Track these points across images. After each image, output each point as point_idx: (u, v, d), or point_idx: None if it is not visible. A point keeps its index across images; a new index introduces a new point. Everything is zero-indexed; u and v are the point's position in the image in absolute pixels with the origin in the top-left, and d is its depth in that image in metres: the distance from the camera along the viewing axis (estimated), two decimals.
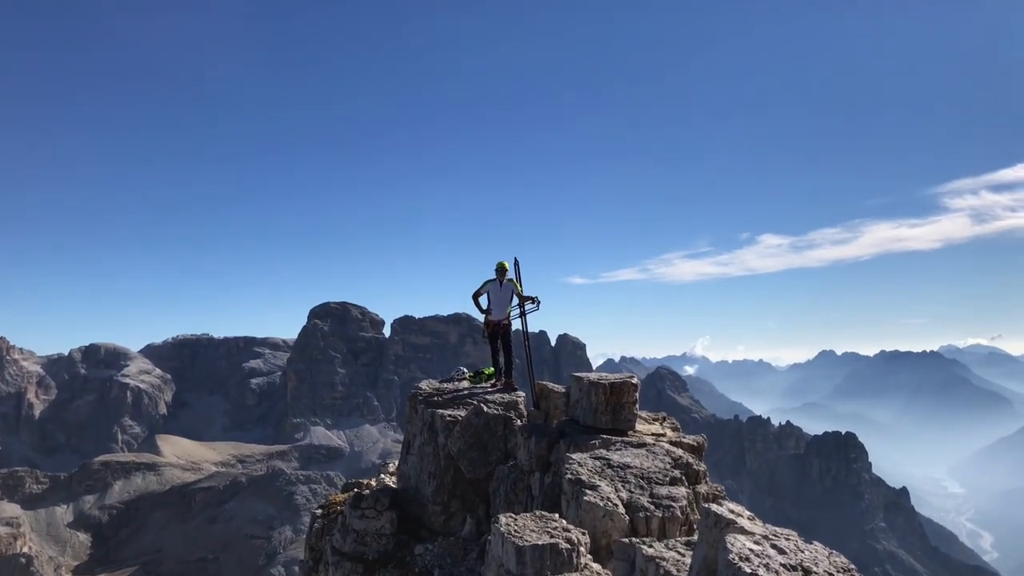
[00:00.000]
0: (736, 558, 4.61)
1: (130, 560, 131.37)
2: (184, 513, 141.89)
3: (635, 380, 11.08)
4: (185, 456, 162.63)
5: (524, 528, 6.55)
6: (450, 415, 13.73)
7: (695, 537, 6.36)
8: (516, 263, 15.87)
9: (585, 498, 7.35)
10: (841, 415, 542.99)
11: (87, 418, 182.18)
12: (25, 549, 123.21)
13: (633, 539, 6.45)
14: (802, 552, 4.84)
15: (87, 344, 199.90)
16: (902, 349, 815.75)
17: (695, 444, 10.66)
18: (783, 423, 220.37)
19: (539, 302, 15.61)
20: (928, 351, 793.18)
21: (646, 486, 7.91)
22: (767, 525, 5.41)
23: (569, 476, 7.94)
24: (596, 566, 6.49)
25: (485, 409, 13.37)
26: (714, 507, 5.50)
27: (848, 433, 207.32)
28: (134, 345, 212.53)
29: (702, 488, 8.62)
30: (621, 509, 7.34)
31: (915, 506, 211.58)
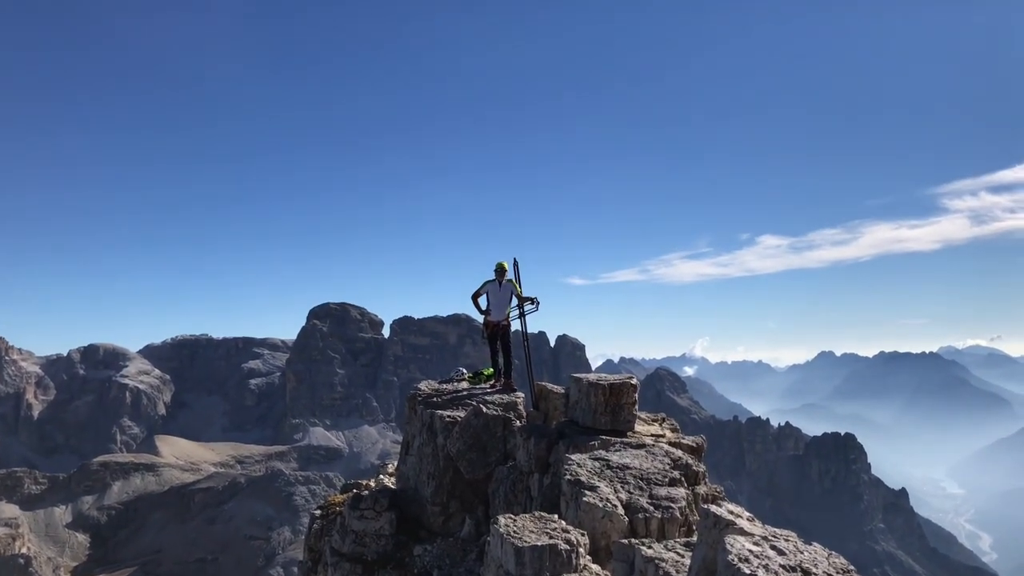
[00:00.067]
0: (735, 559, 4.60)
1: (129, 561, 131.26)
2: (183, 514, 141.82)
3: (634, 381, 11.07)
4: (184, 457, 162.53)
5: (523, 529, 6.54)
6: (449, 416, 13.72)
7: (694, 538, 6.35)
8: (515, 264, 15.86)
9: (584, 499, 7.34)
10: (840, 416, 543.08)
11: (86, 419, 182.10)
12: (24, 550, 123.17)
13: (632, 540, 6.45)
14: (801, 553, 4.84)
15: (86, 344, 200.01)
16: (901, 350, 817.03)
17: (694, 445, 10.65)
18: (782, 424, 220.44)
19: (538, 303, 15.60)
20: (927, 352, 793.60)
21: (645, 487, 7.90)
22: (766, 526, 5.40)
23: (568, 477, 7.93)
24: (595, 567, 6.48)
25: (484, 410, 13.36)
26: (713, 508, 5.50)
27: (847, 434, 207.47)
28: (133, 346, 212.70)
29: (701, 489, 8.61)
30: (620, 510, 7.33)
31: (914, 507, 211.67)
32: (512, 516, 6.87)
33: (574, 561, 6.27)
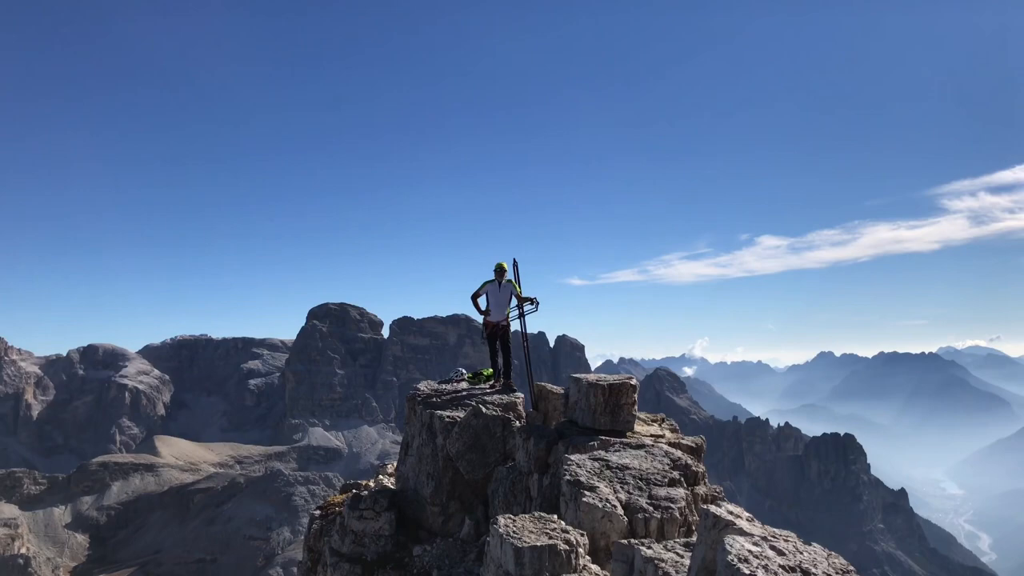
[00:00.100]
0: (735, 559, 4.60)
1: (128, 561, 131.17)
2: (182, 514, 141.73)
3: (634, 381, 11.06)
4: (183, 457, 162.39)
5: (523, 529, 6.54)
6: (449, 416, 13.72)
7: (694, 538, 6.35)
8: (515, 264, 15.86)
9: (584, 499, 7.34)
10: (840, 416, 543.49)
11: (85, 419, 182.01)
12: (23, 550, 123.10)
13: (632, 540, 6.45)
14: (801, 553, 4.84)
15: (85, 345, 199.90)
16: (901, 350, 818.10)
17: (694, 445, 10.64)
18: (782, 424, 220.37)
19: (538, 303, 15.60)
20: (927, 352, 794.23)
21: (645, 487, 7.90)
22: (766, 526, 5.40)
23: (568, 477, 7.93)
24: (595, 567, 6.48)
25: (484, 410, 13.36)
26: (713, 508, 5.50)
27: (847, 434, 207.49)
28: (132, 346, 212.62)
29: (701, 489, 8.61)
30: (620, 510, 7.33)
31: (913, 507, 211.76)
32: (512, 516, 6.87)
33: (573, 561, 6.27)
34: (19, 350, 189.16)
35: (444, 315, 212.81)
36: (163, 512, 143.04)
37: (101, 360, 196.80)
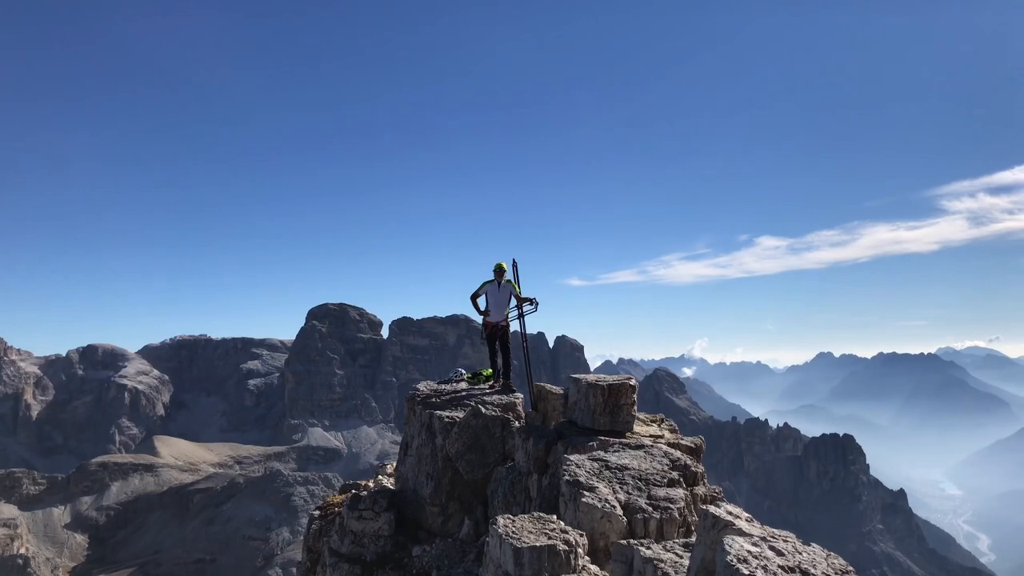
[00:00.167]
0: (734, 560, 4.60)
1: (127, 561, 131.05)
2: (182, 514, 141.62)
3: (633, 382, 11.06)
4: (183, 457, 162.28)
5: (522, 530, 6.53)
6: (448, 416, 13.71)
7: (693, 539, 6.35)
8: (514, 264, 15.87)
9: (583, 499, 7.34)
10: (839, 417, 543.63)
11: (84, 419, 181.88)
12: (22, 550, 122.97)
13: (631, 540, 6.45)
14: (800, 554, 4.84)
15: (85, 345, 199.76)
16: (900, 351, 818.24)
17: (693, 446, 10.64)
18: (781, 425, 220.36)
19: (537, 303, 15.60)
20: (926, 353, 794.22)
21: (644, 488, 7.90)
22: (765, 527, 5.40)
23: (567, 478, 7.93)
24: (594, 568, 6.48)
25: (483, 411, 13.35)
26: (712, 509, 5.50)
27: (846, 435, 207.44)
28: (132, 346, 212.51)
29: (700, 490, 8.60)
30: (619, 511, 7.33)
31: (913, 508, 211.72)
32: (511, 517, 6.86)
33: (573, 562, 6.27)
34: (18, 350, 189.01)
35: (443, 315, 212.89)
36: (162, 512, 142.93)
37: (100, 360, 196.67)
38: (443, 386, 16.00)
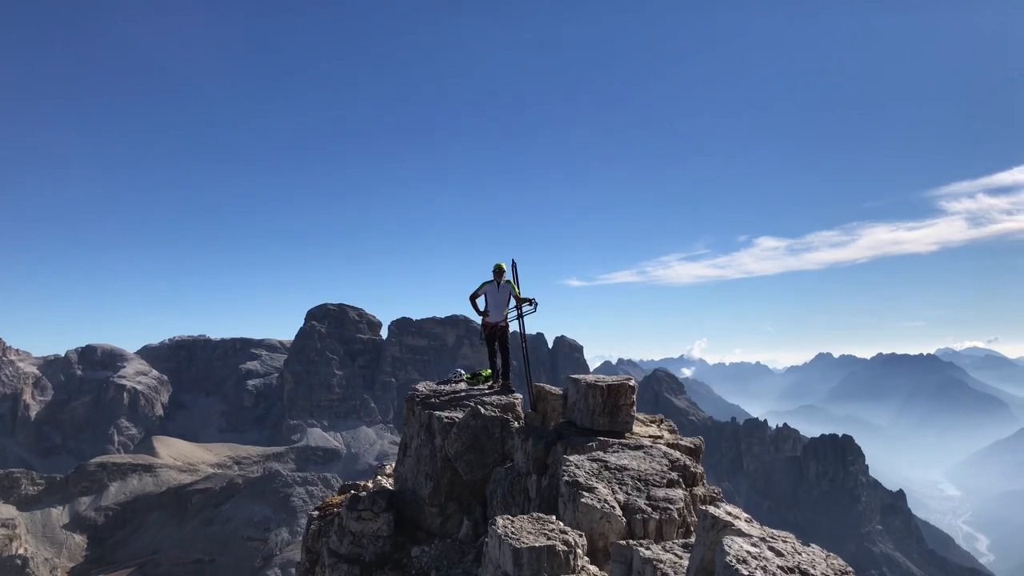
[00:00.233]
0: (734, 560, 4.60)
1: (126, 562, 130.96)
2: (180, 515, 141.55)
3: (632, 382, 11.05)
4: (181, 457, 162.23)
5: (521, 530, 6.52)
6: (447, 417, 13.70)
7: (692, 539, 6.35)
8: (513, 265, 15.86)
9: (582, 500, 7.33)
10: (838, 417, 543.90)
11: (83, 419, 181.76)
12: (21, 551, 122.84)
13: (630, 541, 6.44)
14: (800, 554, 4.83)
15: (84, 345, 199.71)
16: (899, 352, 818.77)
17: (692, 446, 10.63)
18: (780, 425, 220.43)
19: (536, 304, 15.59)
20: (925, 354, 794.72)
21: (643, 488, 7.89)
22: (764, 527, 5.40)
23: (566, 478, 7.92)
24: (593, 568, 6.47)
25: (482, 411, 13.35)
26: (711, 509, 5.49)
27: (845, 436, 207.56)
28: (131, 346, 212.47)
29: (699, 490, 8.60)
30: (618, 511, 7.32)
31: (912, 508, 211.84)
32: (510, 517, 6.85)
33: (572, 562, 6.26)
34: (17, 350, 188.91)
35: (443, 316, 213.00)
36: (161, 513, 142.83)
37: (99, 360, 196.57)
38: (442, 386, 15.99)
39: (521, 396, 14.61)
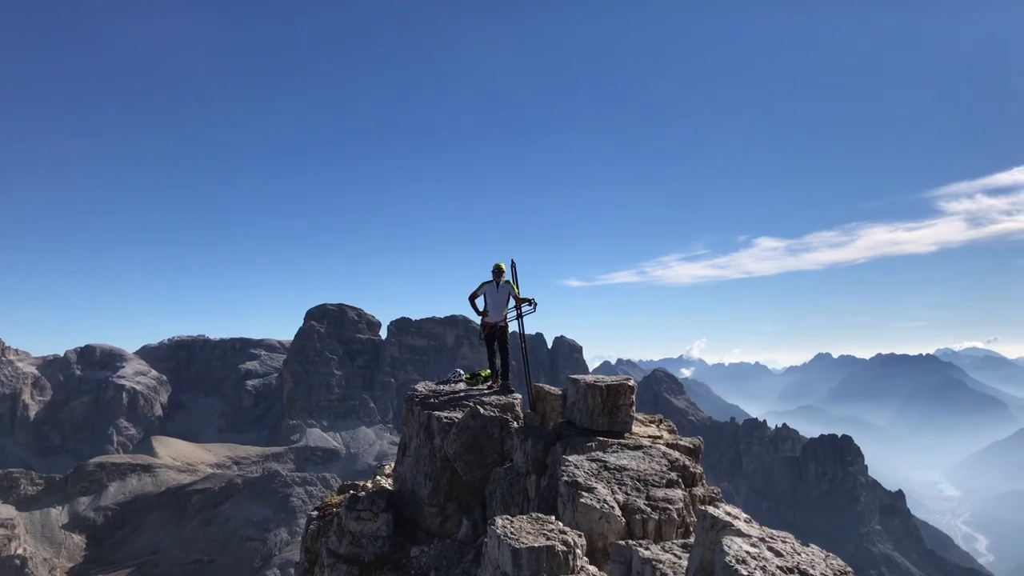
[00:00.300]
0: (733, 560, 4.60)
1: (125, 562, 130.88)
2: (180, 515, 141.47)
3: (632, 382, 11.05)
4: (181, 458, 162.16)
5: (520, 530, 6.52)
6: (447, 417, 13.70)
7: (692, 539, 6.34)
8: (513, 265, 15.87)
9: (582, 500, 7.33)
10: (837, 418, 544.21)
11: (82, 419, 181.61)
12: (20, 551, 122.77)
13: (629, 541, 6.44)
14: (799, 555, 4.83)
15: (83, 345, 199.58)
16: (898, 352, 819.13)
17: (691, 446, 10.63)
18: (779, 426, 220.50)
19: (536, 304, 15.59)
20: (924, 354, 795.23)
21: (642, 488, 7.89)
22: (764, 528, 5.40)
23: (566, 478, 7.91)
24: (592, 568, 6.47)
25: (482, 411, 13.34)
26: (711, 509, 5.49)
27: (844, 436, 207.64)
28: (130, 346, 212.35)
29: (698, 490, 8.59)
30: (617, 511, 7.32)
31: (911, 509, 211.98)
32: (509, 517, 6.85)
33: (571, 562, 6.26)
34: (16, 350, 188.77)
35: (442, 316, 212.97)
36: (160, 513, 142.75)
37: (98, 360, 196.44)
38: (441, 387, 15.99)
39: (520, 396, 14.60)
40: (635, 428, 11.00)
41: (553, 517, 6.97)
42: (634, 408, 10.96)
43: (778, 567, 4.59)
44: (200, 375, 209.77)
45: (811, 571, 4.61)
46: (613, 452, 9.24)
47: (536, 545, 6.16)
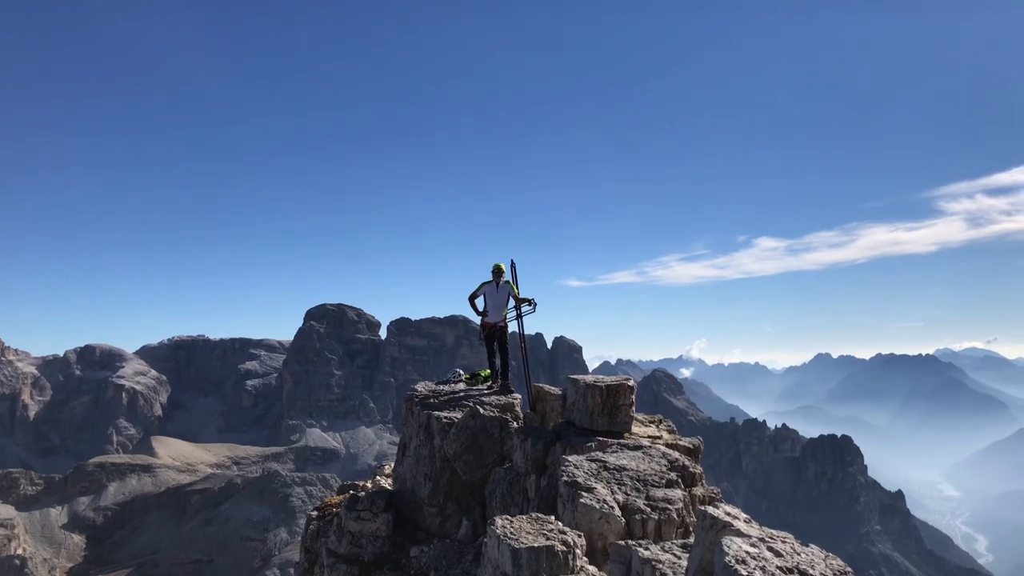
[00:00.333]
0: (732, 560, 4.59)
1: (125, 562, 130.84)
2: (179, 515, 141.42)
3: (631, 382, 11.05)
4: (180, 458, 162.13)
5: (520, 530, 6.51)
6: (446, 417, 13.70)
7: (691, 539, 6.34)
8: (512, 265, 15.86)
9: (581, 500, 7.32)
10: (837, 418, 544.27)
11: (82, 419, 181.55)
12: (19, 551, 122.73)
13: (629, 541, 6.43)
14: (798, 555, 4.83)
15: (82, 345, 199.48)
16: (898, 352, 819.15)
17: (691, 446, 10.62)
18: (779, 426, 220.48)
19: (535, 304, 15.59)
20: (924, 354, 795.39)
21: (642, 488, 7.88)
22: (763, 528, 5.39)
23: (565, 478, 7.91)
24: (592, 568, 6.46)
25: (481, 411, 13.34)
26: (710, 509, 5.49)
27: (844, 436, 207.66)
28: (130, 346, 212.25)
29: (698, 490, 8.59)
30: (617, 511, 7.32)
31: (910, 509, 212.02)
32: (509, 517, 6.85)
33: (571, 562, 6.26)
34: (16, 350, 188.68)
35: (442, 316, 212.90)
36: (160, 513, 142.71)
37: (98, 361, 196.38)
38: (441, 387, 15.98)
39: (520, 396, 14.60)
40: (635, 428, 11.00)
41: (553, 517, 6.97)
42: (634, 408, 10.95)
43: (778, 567, 4.59)
44: (200, 375, 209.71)
45: (811, 571, 4.61)
46: (613, 452, 9.23)
47: (536, 545, 6.16)
